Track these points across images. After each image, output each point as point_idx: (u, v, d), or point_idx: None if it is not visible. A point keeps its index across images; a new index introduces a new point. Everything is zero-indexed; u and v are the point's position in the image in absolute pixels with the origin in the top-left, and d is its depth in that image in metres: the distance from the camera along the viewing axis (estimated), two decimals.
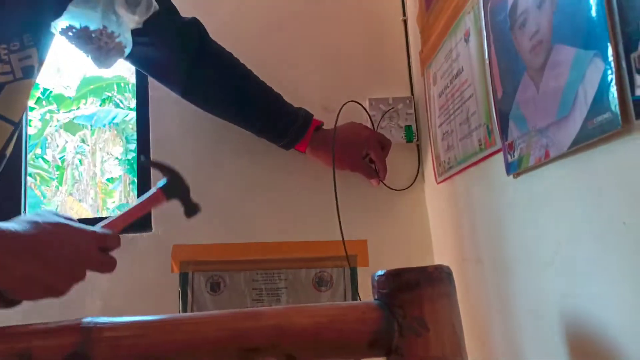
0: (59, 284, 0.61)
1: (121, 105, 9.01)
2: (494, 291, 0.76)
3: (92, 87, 8.44)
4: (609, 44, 0.43)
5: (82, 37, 0.79)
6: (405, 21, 1.15)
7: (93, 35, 0.79)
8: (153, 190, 0.77)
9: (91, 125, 8.66)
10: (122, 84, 8.51)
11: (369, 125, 1.09)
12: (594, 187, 0.48)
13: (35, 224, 0.60)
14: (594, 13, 0.45)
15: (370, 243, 1.06)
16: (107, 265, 0.66)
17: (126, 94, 8.85)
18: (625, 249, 0.44)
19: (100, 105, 8.94)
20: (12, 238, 0.57)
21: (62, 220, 0.63)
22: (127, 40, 0.82)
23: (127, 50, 0.83)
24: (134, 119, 1.28)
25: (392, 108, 1.10)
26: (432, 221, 1.07)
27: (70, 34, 0.79)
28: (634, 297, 0.44)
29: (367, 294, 1.01)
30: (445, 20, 0.86)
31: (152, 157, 1.10)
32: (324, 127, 1.05)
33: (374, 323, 0.55)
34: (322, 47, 1.14)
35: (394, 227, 1.08)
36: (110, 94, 8.84)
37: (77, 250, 0.62)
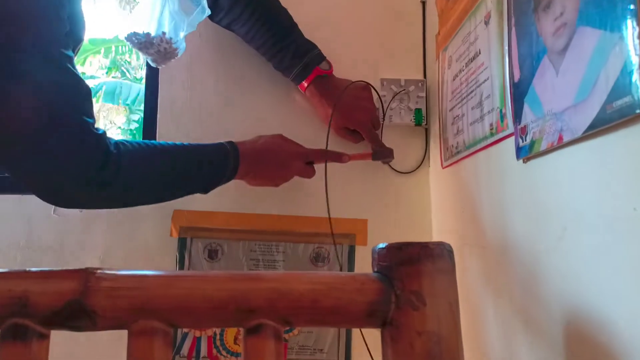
0: (276, 180, 0.96)
1: (128, 75, 8.92)
2: (493, 276, 0.77)
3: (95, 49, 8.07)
4: (636, 26, 0.42)
5: (145, 43, 0.87)
6: (424, 3, 1.13)
7: (154, 41, 0.87)
8: (367, 150, 1.03)
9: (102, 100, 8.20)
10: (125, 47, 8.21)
11: (379, 105, 1.08)
12: (605, 172, 0.48)
13: (264, 138, 0.94)
14: None
15: (370, 223, 1.06)
16: (307, 174, 0.97)
17: (133, 66, 8.74)
18: (634, 235, 0.44)
19: (107, 73, 8.83)
20: (253, 154, 0.90)
21: (279, 138, 0.95)
22: (181, 46, 0.90)
23: (180, 54, 0.91)
24: None
25: (404, 90, 1.10)
26: (434, 205, 1.07)
27: (135, 39, 0.87)
28: None
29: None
30: (466, 3, 0.85)
31: (158, 124, 1.09)
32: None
33: (372, 294, 0.55)
34: (337, 23, 1.13)
35: (396, 209, 1.08)
36: (119, 59, 8.57)
37: (288, 159, 0.94)
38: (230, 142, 0.89)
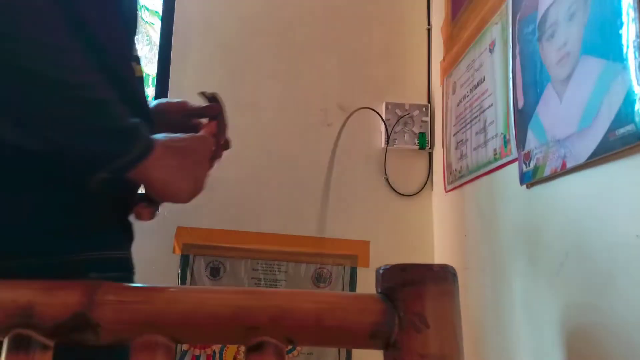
0: (198, 184, 0.60)
1: None
2: (494, 300, 0.77)
3: None
4: (639, 57, 0.43)
5: None
6: (429, 30, 1.16)
7: None
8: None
9: None
10: None
11: (382, 129, 1.10)
12: (608, 198, 0.48)
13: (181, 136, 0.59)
14: (625, 27, 0.45)
15: (372, 245, 1.06)
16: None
17: None
18: (637, 261, 0.44)
19: None
20: (171, 142, 0.57)
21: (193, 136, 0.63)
22: None
23: None
24: None
25: (408, 114, 1.11)
26: (436, 228, 1.07)
27: None
28: None
29: None
30: (471, 31, 0.87)
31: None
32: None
33: (376, 315, 0.55)
34: (345, 48, 1.16)
35: (398, 231, 1.08)
36: None
37: (205, 155, 0.64)
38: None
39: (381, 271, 0.60)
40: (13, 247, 0.47)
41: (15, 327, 0.53)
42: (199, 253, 1.03)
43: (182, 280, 1.02)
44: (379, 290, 0.60)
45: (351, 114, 1.09)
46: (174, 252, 1.04)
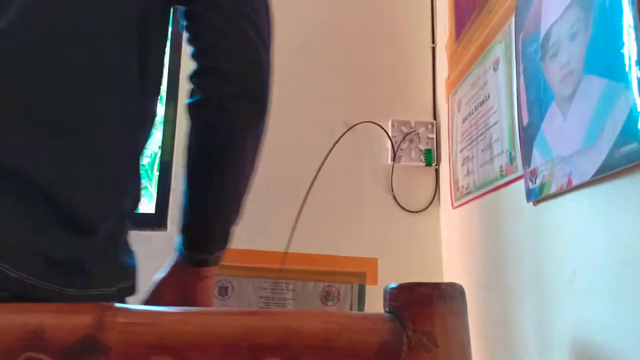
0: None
1: None
2: (502, 318, 0.76)
3: None
4: None
5: None
6: (433, 48, 1.17)
7: None
8: None
9: None
10: None
11: (389, 145, 1.11)
12: (615, 216, 0.48)
13: None
14: (627, 46, 0.46)
15: (381, 261, 1.06)
16: None
17: None
18: None
19: None
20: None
21: None
22: None
23: None
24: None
25: (414, 131, 1.12)
26: (444, 245, 1.07)
27: None
28: None
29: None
30: (475, 49, 0.88)
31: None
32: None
33: (384, 334, 0.54)
34: (351, 66, 1.17)
35: (406, 248, 1.08)
36: None
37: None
38: None
39: (389, 290, 0.60)
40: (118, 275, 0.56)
41: (26, 350, 0.54)
42: None
43: None
44: (387, 310, 0.60)
45: (353, 129, 1.09)
46: None
